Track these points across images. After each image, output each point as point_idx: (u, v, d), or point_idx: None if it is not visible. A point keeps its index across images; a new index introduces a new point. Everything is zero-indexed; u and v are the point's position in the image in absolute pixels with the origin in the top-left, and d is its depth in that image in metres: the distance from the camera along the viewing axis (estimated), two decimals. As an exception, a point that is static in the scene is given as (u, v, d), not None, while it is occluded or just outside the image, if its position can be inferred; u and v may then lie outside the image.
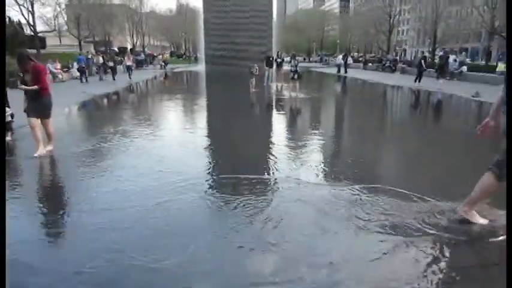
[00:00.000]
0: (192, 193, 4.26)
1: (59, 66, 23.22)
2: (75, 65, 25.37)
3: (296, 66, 14.44)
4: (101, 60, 25.53)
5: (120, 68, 26.52)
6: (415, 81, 18.62)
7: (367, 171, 5.35)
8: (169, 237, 3.27)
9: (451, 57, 23.44)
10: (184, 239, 3.21)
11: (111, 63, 24.65)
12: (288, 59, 19.75)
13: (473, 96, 13.24)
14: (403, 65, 30.55)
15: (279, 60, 18.59)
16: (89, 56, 28.39)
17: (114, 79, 23.17)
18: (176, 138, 7.85)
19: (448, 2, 42.98)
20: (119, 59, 29.33)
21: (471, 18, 51.45)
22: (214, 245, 3.12)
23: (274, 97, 15.48)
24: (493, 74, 19.72)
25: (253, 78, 16.01)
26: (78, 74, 24.47)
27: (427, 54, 37.56)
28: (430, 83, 18.21)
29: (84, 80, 22.10)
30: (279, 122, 10.64)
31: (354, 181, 4.66)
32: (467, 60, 34.99)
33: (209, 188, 4.58)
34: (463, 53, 42.52)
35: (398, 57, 39.37)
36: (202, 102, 15.20)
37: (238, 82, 20.04)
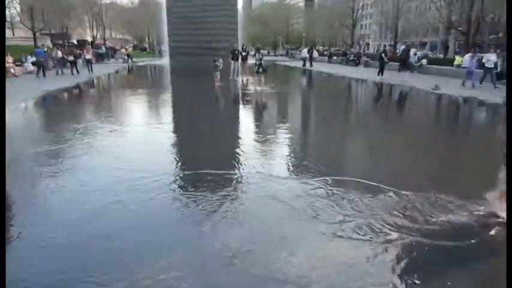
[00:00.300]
0: (154, 191, 4.15)
1: (10, 60, 21.85)
2: (29, 58, 24.09)
3: (261, 60, 14.21)
4: (59, 54, 24.14)
5: (79, 62, 25.33)
6: (378, 74, 18.98)
7: (332, 164, 5.44)
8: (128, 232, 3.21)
9: (412, 51, 24.14)
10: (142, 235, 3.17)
11: (71, 57, 23.37)
12: (253, 52, 19.46)
13: (433, 89, 13.64)
14: (367, 59, 31.15)
15: (244, 53, 18.32)
16: (45, 49, 27.03)
17: (74, 73, 22.04)
18: (138, 134, 7.70)
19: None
20: (78, 52, 27.99)
21: (429, 13, 53.37)
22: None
23: (239, 91, 15.30)
24: (451, 67, 20.48)
25: (218, 72, 15.72)
26: (32, 68, 23.25)
27: (388, 48, 38.57)
28: (393, 76, 18.66)
29: (41, 74, 20.71)
30: (244, 116, 10.53)
31: (320, 174, 4.70)
32: (429, 53, 36.27)
33: (173, 184, 4.49)
34: (426, 46, 44.07)
35: (362, 51, 40.07)
36: (166, 96, 14.84)
37: (203, 76, 19.63)
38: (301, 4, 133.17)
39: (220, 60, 15.97)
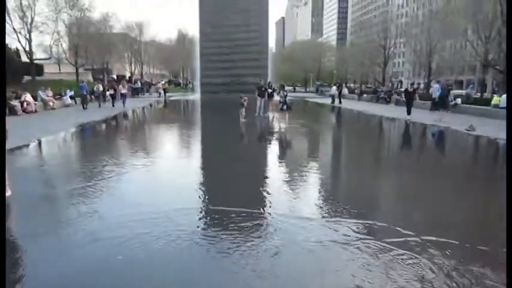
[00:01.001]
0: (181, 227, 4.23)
1: (50, 93, 23.04)
2: (68, 92, 25.34)
3: (285, 97, 14.11)
4: (101, 88, 25.96)
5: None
6: (408, 113, 17.91)
7: (364, 207, 5.24)
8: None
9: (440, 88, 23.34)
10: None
11: (111, 91, 25.07)
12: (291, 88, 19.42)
13: (467, 130, 12.88)
14: (398, 97, 30.40)
15: (270, 90, 18.29)
16: (83, 84, 28.41)
17: (113, 106, 23.96)
18: (165, 170, 7.81)
19: (442, 35, 43.59)
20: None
21: (465, 51, 52.30)
22: None
23: (264, 128, 15.14)
24: (487, 106, 19.52)
25: (243, 109, 15.71)
26: (70, 101, 24.46)
27: (422, 85, 37.78)
28: (424, 115, 17.93)
29: (85, 106, 22.56)
30: (266, 155, 10.28)
31: (351, 217, 4.62)
32: (475, 93, 34.76)
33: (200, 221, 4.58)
34: (471, 85, 42.96)
35: (392, 89, 39.40)
36: (193, 132, 15.18)
37: (230, 112, 19.79)
38: (334, 42, 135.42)
39: (245, 98, 15.98)
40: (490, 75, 46.96)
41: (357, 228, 4.24)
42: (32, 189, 5.90)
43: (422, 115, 18.53)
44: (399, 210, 5.37)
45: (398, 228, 4.19)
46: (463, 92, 23.04)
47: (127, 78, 57.66)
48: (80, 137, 13.12)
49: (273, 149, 11.03)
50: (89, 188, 5.88)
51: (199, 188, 6.19)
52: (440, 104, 17.64)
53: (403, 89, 52.08)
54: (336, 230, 4.21)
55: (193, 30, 40.03)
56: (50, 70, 52.84)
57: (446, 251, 3.61)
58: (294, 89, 71.76)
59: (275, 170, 8.07)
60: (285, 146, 11.38)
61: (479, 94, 33.40)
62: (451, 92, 20.98)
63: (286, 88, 15.49)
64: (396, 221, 4.52)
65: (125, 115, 20.82)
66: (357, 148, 11.34)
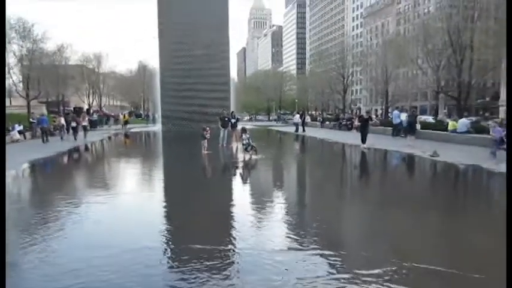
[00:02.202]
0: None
1: (-5, 129, 21.34)
2: (17, 127, 23.72)
3: (248, 139, 13.58)
4: (62, 121, 25.24)
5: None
6: (362, 141, 17.25)
7: (333, 236, 5.29)
8: None
9: (403, 115, 23.94)
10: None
11: (73, 124, 24.65)
12: (247, 117, 18.85)
13: (431, 156, 12.91)
14: (358, 123, 31.00)
15: (233, 120, 17.85)
16: (34, 117, 26.85)
17: (75, 139, 23.47)
18: (126, 205, 7.55)
19: (396, 64, 45.79)
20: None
21: (418, 79, 55.20)
22: None
23: (228, 160, 14.53)
24: (444, 131, 20.07)
25: (205, 140, 15.04)
26: (18, 136, 22.85)
27: (368, 113, 38.88)
28: (387, 141, 18.07)
29: (45, 139, 21.96)
30: (232, 187, 9.65)
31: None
32: (431, 118, 36.68)
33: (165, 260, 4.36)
34: (444, 111, 44.98)
35: (354, 116, 40.31)
36: (154, 165, 14.33)
37: (192, 143, 19.02)
38: (294, 71, 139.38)
39: (208, 128, 15.37)
40: (442, 101, 49.63)
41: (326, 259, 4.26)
42: None
43: (384, 141, 18.69)
44: (369, 240, 5.19)
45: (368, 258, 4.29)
46: (422, 117, 23.85)
47: (85, 110, 55.55)
48: (37, 173, 12.21)
49: (238, 182, 10.43)
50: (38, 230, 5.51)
51: (162, 225, 5.93)
52: (409, 130, 17.87)
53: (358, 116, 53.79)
54: (311, 263, 4.20)
55: (154, 61, 39.32)
56: None
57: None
58: (251, 118, 72.24)
59: (240, 203, 7.57)
60: (250, 179, 10.83)
61: (433, 120, 34.90)
62: (417, 118, 21.38)
63: (248, 126, 14.91)
64: (365, 250, 4.62)
65: (87, 148, 20.36)
66: (325, 177, 10.94)
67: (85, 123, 26.35)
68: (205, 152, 14.81)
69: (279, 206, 7.27)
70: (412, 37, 44.97)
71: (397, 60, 44.74)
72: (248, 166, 12.39)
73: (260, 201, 7.63)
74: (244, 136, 13.83)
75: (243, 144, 13.88)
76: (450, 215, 6.47)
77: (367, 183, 10.47)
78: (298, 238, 5.07)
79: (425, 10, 71.77)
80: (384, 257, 4.39)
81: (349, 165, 14.91)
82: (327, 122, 38.53)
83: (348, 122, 31.91)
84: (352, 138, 22.21)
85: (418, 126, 20.66)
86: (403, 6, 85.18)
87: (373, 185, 9.98)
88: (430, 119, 36.09)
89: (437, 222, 6.09)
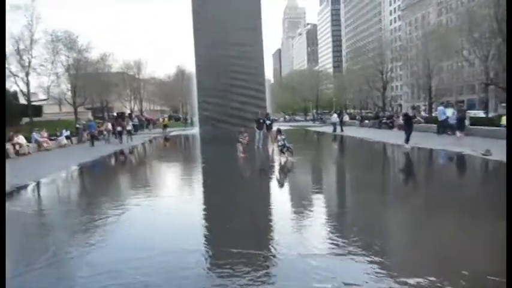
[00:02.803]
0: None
1: (45, 134, 22.54)
2: (64, 132, 24.85)
3: (283, 140, 13.30)
4: (109, 126, 27.22)
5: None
6: (406, 141, 15.75)
7: (374, 240, 4.87)
8: None
9: (449, 111, 22.62)
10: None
11: (119, 128, 26.14)
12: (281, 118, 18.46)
13: (484, 155, 11.96)
14: (401, 121, 29.67)
15: (268, 122, 17.61)
16: (80, 123, 28.14)
17: (121, 142, 25.04)
18: (165, 207, 7.61)
19: (439, 56, 43.55)
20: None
21: (463, 71, 52.25)
22: None
23: (265, 161, 14.31)
24: (497, 127, 18.69)
25: (240, 144, 14.91)
26: (65, 141, 23.93)
27: (414, 109, 37.20)
28: (433, 140, 17.10)
29: (93, 143, 23.77)
30: (271, 190, 9.46)
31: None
32: (481, 113, 34.26)
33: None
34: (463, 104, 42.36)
35: (394, 113, 38.77)
36: (193, 167, 14.49)
37: (228, 145, 18.99)
38: (330, 70, 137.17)
39: (246, 134, 15.16)
40: (492, 94, 46.23)
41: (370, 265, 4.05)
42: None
43: (430, 139, 17.70)
44: (418, 247, 4.81)
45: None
46: (471, 112, 22.50)
47: (127, 115, 57.59)
48: (87, 174, 12.95)
49: (274, 185, 10.16)
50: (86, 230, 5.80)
51: (199, 228, 5.95)
52: (458, 126, 16.82)
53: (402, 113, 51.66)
54: (355, 269, 4.02)
55: (191, 65, 40.05)
56: (50, 111, 52.97)
57: None
58: (289, 119, 69.55)
59: (278, 207, 7.39)
60: (286, 182, 10.53)
61: (484, 114, 32.79)
62: (466, 113, 20.07)
63: (280, 119, 14.57)
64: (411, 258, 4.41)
65: (131, 150, 21.43)
66: (366, 180, 10.38)
67: (129, 127, 27.87)
68: (242, 154, 14.67)
69: (318, 209, 6.90)
70: (455, 27, 42.54)
71: (440, 53, 42.58)
72: (284, 169, 12.08)
73: (298, 204, 7.34)
74: (279, 137, 13.55)
75: (278, 146, 13.59)
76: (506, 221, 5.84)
77: (414, 186, 9.82)
78: (340, 243, 4.81)
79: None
80: (435, 265, 4.05)
81: (393, 166, 14.16)
82: (366, 121, 37.36)
83: (389, 120, 30.72)
84: (394, 137, 21.24)
85: (467, 122, 19.42)
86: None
87: (420, 188, 9.32)
88: (480, 113, 33.70)
89: (491, 228, 5.50)
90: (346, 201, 8.38)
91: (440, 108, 22.66)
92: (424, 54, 44.62)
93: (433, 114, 35.01)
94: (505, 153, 11.61)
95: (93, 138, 24.36)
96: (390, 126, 29.39)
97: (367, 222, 6.03)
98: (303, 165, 13.13)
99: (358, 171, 12.32)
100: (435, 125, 22.49)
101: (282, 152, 13.34)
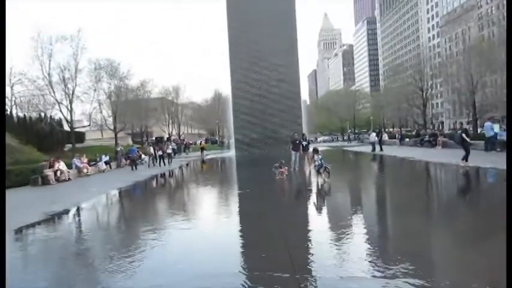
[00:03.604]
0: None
1: (85, 160, 23.28)
2: (104, 157, 25.62)
3: (321, 160, 12.83)
4: (151, 150, 28.71)
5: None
6: (463, 159, 15.17)
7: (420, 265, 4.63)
8: None
9: (496, 126, 21.27)
10: None
11: (160, 152, 27.68)
12: (320, 138, 17.92)
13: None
14: (444, 139, 28.17)
15: (304, 143, 17.18)
16: (118, 148, 28.97)
17: (160, 165, 26.37)
18: (203, 231, 7.55)
19: (483, 71, 41.51)
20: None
21: (510, 86, 49.41)
22: None
23: (302, 185, 13.88)
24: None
25: (277, 170, 14.63)
26: (104, 167, 24.61)
27: (466, 126, 35.35)
28: (480, 158, 15.93)
29: (134, 168, 24.68)
30: (308, 213, 9.07)
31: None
32: None
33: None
34: None
35: (438, 131, 37.04)
36: (230, 191, 13.96)
37: (264, 168, 18.71)
38: (367, 89, 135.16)
39: (284, 168, 14.80)
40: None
41: None
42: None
43: (478, 157, 16.50)
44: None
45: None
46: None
47: (165, 139, 59.16)
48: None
49: (312, 209, 9.70)
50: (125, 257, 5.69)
51: (236, 252, 5.87)
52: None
53: (447, 130, 48.96)
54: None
55: (228, 88, 40.70)
56: (93, 136, 55.42)
57: None
58: (321, 139, 67.83)
59: (317, 230, 7.10)
60: (326, 204, 10.05)
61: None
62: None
63: (322, 138, 14.21)
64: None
65: (171, 173, 22.24)
66: (412, 204, 9.68)
67: (169, 151, 29.01)
68: (278, 176, 14.35)
69: (358, 236, 6.41)
70: (499, 40, 40.60)
71: (483, 67, 40.61)
72: (322, 191, 11.59)
73: (336, 229, 6.90)
74: (316, 157, 13.13)
75: (315, 166, 13.15)
76: None
77: (470, 208, 9.04)
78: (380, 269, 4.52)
79: (513, 11, 65.01)
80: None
81: (444, 188, 13.24)
82: (407, 139, 35.92)
83: (432, 138, 29.31)
84: (438, 155, 20.15)
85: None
86: (485, 9, 78.38)
87: (479, 213, 8.56)
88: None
89: None
90: (387, 225, 7.78)
91: (488, 124, 21.33)
92: (467, 70, 42.73)
93: (478, 131, 33.12)
94: None
95: (133, 162, 25.28)
96: (433, 144, 28.01)
97: (416, 251, 5.46)
98: (341, 187, 12.57)
99: (401, 193, 11.54)
100: (481, 142, 21.20)
101: (319, 172, 12.89)
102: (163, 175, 20.87)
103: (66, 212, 10.34)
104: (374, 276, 4.34)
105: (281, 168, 14.68)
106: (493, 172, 13.20)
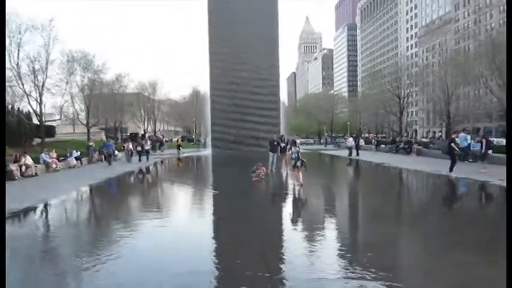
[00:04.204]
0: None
1: (54, 155, 22.18)
2: (74, 153, 24.55)
3: (297, 153, 12.43)
4: (130, 146, 28.43)
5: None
6: (451, 170, 14.95)
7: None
8: None
9: (467, 137, 21.74)
10: None
11: (139, 148, 28.04)
12: (297, 141, 17.67)
13: (515, 185, 10.96)
14: (419, 146, 28.77)
15: (282, 144, 16.84)
16: (90, 143, 27.90)
17: (140, 161, 26.64)
18: (176, 227, 7.73)
19: (459, 82, 42.66)
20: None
21: (482, 98, 51.10)
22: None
23: (277, 186, 13.58)
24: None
25: (255, 167, 14.26)
26: (75, 162, 23.58)
27: (438, 134, 36.00)
28: (465, 168, 16.06)
29: (110, 162, 24.61)
30: (281, 214, 8.91)
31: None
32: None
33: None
34: (479, 132, 40.95)
35: (413, 138, 37.64)
36: (203, 189, 13.55)
37: (240, 168, 18.42)
38: (345, 94, 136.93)
39: (262, 168, 14.54)
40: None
41: None
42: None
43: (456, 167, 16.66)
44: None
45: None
46: (495, 140, 21.44)
47: (140, 135, 57.78)
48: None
49: (287, 209, 9.52)
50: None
51: (214, 250, 5.95)
52: (483, 154, 16.26)
53: (420, 138, 50.05)
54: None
55: (206, 86, 39.94)
56: (64, 131, 53.44)
57: None
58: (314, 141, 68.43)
59: (290, 230, 7.41)
60: (300, 206, 9.86)
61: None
62: (489, 140, 18.97)
63: (299, 141, 13.93)
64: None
65: (147, 169, 22.35)
66: (391, 212, 9.53)
67: (148, 147, 29.44)
68: (255, 178, 13.98)
69: (334, 245, 6.14)
70: (475, 54, 41.81)
71: (459, 79, 41.71)
72: (298, 194, 11.31)
73: (311, 229, 6.82)
74: (293, 149, 12.70)
75: (291, 159, 12.72)
76: None
77: (448, 217, 8.94)
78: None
79: (488, 26, 67.36)
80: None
81: (425, 200, 13.24)
82: (382, 145, 36.37)
83: (407, 146, 29.74)
84: (414, 163, 20.31)
85: (489, 151, 18.41)
86: (462, 23, 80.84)
87: (455, 222, 8.45)
88: (503, 141, 32.51)
89: None
90: (363, 233, 7.55)
91: (462, 134, 21.70)
92: (443, 80, 43.81)
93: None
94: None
95: (109, 157, 25.17)
96: (408, 151, 28.42)
97: (389, 257, 5.21)
98: (319, 191, 12.34)
99: (379, 200, 11.40)
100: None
101: (295, 166, 12.43)
102: (139, 171, 20.41)
103: (25, 211, 9.56)
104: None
105: (258, 170, 14.34)
106: (468, 183, 13.30)
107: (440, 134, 52.36)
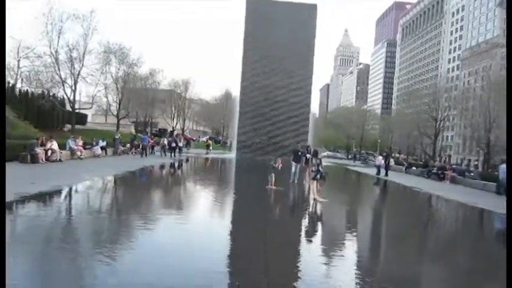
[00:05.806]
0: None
1: (80, 143, 22.33)
2: (100, 142, 24.71)
3: (318, 165, 11.65)
4: (165, 141, 31.18)
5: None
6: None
7: None
8: None
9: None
10: None
11: (173, 144, 29.80)
12: (325, 153, 16.74)
13: None
14: (453, 174, 26.89)
15: (308, 155, 15.94)
16: (117, 136, 28.04)
17: (171, 156, 28.67)
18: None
19: (501, 110, 40.23)
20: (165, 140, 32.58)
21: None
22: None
23: (296, 199, 12.83)
24: None
25: (273, 174, 13.47)
26: (100, 152, 23.71)
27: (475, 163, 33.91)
28: (490, 200, 14.78)
29: (144, 155, 26.67)
30: (297, 232, 8.11)
31: None
32: None
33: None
34: None
35: (447, 164, 35.67)
36: (224, 192, 12.99)
37: (262, 174, 17.70)
38: (378, 111, 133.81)
39: (279, 160, 13.91)
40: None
41: None
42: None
43: (491, 200, 15.34)
44: None
45: None
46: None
47: (168, 132, 58.28)
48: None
49: (304, 227, 8.78)
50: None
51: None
52: None
53: (454, 165, 47.70)
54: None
55: (237, 88, 39.72)
56: (97, 120, 54.62)
57: None
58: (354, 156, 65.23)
59: (304, 250, 6.77)
60: (318, 224, 9.18)
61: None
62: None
63: (326, 153, 13.12)
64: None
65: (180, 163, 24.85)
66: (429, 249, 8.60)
67: (181, 144, 31.36)
68: (272, 186, 13.24)
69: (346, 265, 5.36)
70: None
71: (502, 106, 39.28)
72: (317, 211, 10.52)
73: (326, 254, 6.06)
74: (314, 161, 11.97)
75: (312, 171, 11.95)
76: None
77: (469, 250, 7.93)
78: None
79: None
80: None
81: (463, 233, 12.12)
82: (413, 168, 34.66)
83: (440, 171, 28.01)
84: (448, 191, 18.83)
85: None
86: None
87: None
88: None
89: None
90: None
91: (503, 166, 20.12)
92: (485, 106, 41.49)
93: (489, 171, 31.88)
94: None
95: (143, 150, 26.97)
96: (441, 177, 26.73)
97: None
98: (342, 208, 11.48)
99: (407, 228, 10.43)
100: (491, 183, 20.30)
101: (314, 178, 11.63)
102: (170, 165, 22.77)
103: (41, 195, 9.30)
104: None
105: (274, 163, 13.67)
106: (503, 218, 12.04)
107: (476, 162, 49.51)
